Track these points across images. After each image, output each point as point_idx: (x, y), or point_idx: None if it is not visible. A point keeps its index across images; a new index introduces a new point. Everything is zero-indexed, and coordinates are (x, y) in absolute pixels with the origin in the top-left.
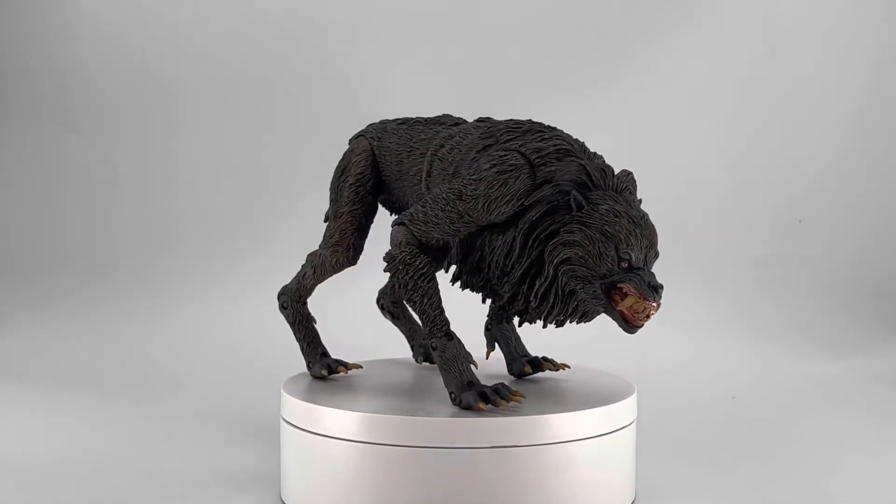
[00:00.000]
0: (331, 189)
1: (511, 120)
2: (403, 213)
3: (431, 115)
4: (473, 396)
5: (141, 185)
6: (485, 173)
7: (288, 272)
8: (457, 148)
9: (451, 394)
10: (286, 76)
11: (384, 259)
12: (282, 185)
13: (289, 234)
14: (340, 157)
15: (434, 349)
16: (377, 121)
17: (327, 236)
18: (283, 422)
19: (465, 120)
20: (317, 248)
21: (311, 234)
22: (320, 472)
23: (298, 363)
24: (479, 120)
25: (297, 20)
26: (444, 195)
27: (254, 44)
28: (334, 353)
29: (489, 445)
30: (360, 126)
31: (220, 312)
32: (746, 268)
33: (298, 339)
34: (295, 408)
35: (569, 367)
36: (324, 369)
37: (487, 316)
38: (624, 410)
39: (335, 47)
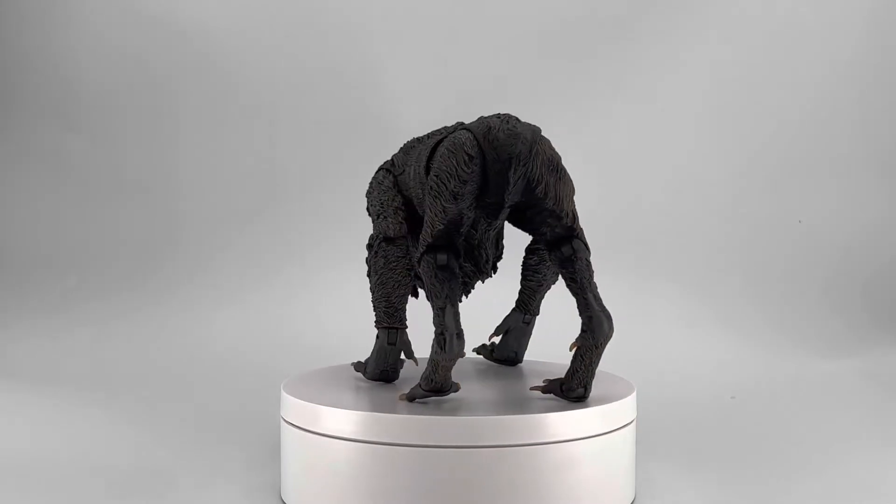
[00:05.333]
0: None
1: None
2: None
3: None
4: None
5: (140, 185)
6: None
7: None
8: None
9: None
10: (292, 72)
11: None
12: (285, 184)
13: (289, 235)
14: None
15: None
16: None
17: None
18: (283, 422)
19: None
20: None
21: (308, 234)
22: (320, 472)
23: (298, 363)
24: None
25: (300, 18)
26: None
27: (257, 41)
28: (324, 357)
29: (489, 445)
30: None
31: (220, 312)
32: (746, 268)
33: None
34: (295, 408)
35: None
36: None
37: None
38: (623, 410)
39: (341, 44)
